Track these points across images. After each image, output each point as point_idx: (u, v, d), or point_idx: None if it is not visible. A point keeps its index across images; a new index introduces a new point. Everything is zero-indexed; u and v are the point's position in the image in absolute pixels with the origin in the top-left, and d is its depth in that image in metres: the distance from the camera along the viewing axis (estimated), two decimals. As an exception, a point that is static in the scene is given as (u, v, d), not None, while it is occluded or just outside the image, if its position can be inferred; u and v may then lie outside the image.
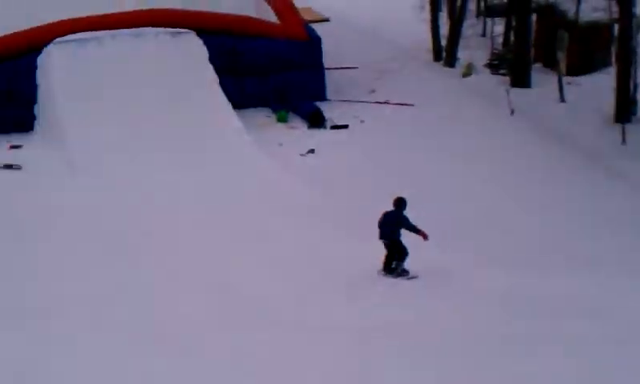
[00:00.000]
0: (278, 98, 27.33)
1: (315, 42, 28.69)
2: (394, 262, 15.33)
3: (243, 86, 27.27)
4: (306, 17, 31.87)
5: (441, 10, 34.30)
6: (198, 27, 26.78)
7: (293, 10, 29.86)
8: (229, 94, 25.44)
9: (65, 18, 26.32)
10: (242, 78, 27.37)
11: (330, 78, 28.87)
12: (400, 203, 15.30)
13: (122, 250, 17.00)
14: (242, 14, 28.63)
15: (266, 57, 27.67)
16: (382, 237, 15.28)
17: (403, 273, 15.27)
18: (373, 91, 29.13)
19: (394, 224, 15.18)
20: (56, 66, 24.79)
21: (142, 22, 26.54)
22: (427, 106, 27.55)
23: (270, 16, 29.28)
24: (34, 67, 25.20)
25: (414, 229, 15.03)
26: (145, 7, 27.21)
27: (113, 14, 26.73)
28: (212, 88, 25.40)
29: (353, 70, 31.08)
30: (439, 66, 33.16)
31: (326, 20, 37.62)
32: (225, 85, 25.68)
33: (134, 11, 26.99)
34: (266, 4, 29.96)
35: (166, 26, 26.57)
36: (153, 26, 26.51)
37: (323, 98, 28.09)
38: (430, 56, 33.85)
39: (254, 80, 27.55)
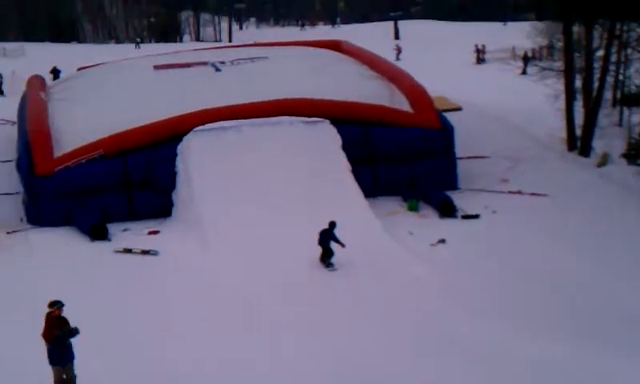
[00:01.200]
0: (409, 187, 27.49)
1: (448, 130, 28.86)
2: (327, 259, 21.80)
3: (375, 174, 27.60)
4: (439, 105, 32.12)
5: (576, 99, 33.96)
6: (332, 115, 27.50)
7: (427, 99, 30.13)
8: (361, 182, 25.90)
9: (204, 107, 27.50)
10: (375, 166, 27.72)
11: (462, 167, 28.90)
12: (331, 224, 21.93)
13: (261, 320, 18.45)
14: (377, 102, 29.18)
15: (398, 145, 27.93)
16: (319, 244, 21.86)
17: (330, 266, 21.71)
18: (505, 181, 28.92)
19: (326, 237, 21.86)
20: (195, 153, 25.83)
21: (278, 111, 27.38)
22: (561, 196, 27.14)
23: (403, 105, 29.67)
24: (173, 155, 26.25)
25: (337, 241, 21.76)
26: (281, 97, 28.17)
27: (251, 104, 27.72)
28: (344, 176, 25.91)
29: (485, 159, 31.01)
30: (574, 155, 32.65)
31: (459, 109, 37.81)
32: (357, 173, 26.17)
33: (271, 101, 27.88)
34: (400, 93, 30.39)
35: (301, 115, 27.38)
36: (288, 114, 27.33)
37: (455, 187, 28.07)
38: (564, 145, 33.41)
39: (386, 168, 27.80)
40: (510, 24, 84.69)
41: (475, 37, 65.40)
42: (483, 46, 61.53)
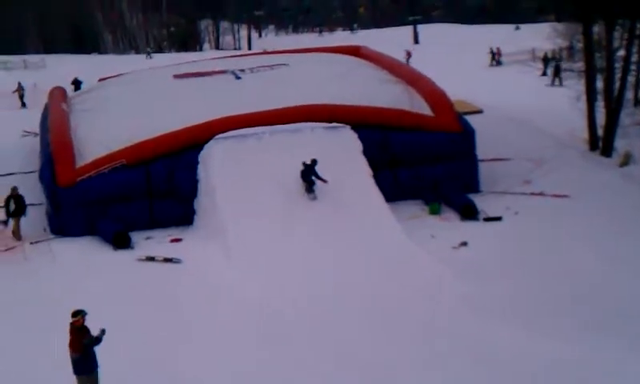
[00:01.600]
0: (430, 190, 27.45)
1: (469, 133, 28.81)
2: (309, 191, 24.82)
3: (397, 178, 27.61)
4: (459, 108, 32.03)
5: (597, 100, 33.78)
6: (352, 121, 27.52)
7: (447, 102, 30.07)
8: (382, 187, 25.88)
9: (225, 115, 27.58)
10: (396, 170, 27.74)
11: (484, 170, 28.84)
12: (313, 161, 24.88)
13: (280, 331, 18.39)
14: (396, 107, 29.16)
15: (419, 149, 27.96)
16: (302, 178, 24.90)
17: (311, 193, 24.86)
18: (527, 182, 28.82)
19: (308, 172, 24.80)
20: (216, 161, 25.92)
21: (298, 118, 27.42)
22: (584, 197, 26.99)
23: (423, 108, 29.64)
24: (195, 163, 26.37)
25: (318, 177, 24.78)
26: (302, 103, 28.21)
27: (271, 111, 27.79)
28: (366, 181, 25.90)
29: (506, 161, 30.92)
30: (596, 155, 32.50)
31: (480, 111, 37.71)
32: (378, 177, 26.17)
33: (291, 107, 27.94)
34: (419, 97, 30.35)
35: (321, 121, 27.40)
36: (309, 120, 27.36)
37: (476, 190, 28.01)
38: (586, 146, 33.26)
39: (407, 172, 27.81)
40: (526, 26, 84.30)
41: (493, 39, 65.22)
42: (498, 48, 61.38)
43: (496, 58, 60.96)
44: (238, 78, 33.51)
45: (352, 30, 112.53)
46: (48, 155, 27.61)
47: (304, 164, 25.01)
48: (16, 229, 25.46)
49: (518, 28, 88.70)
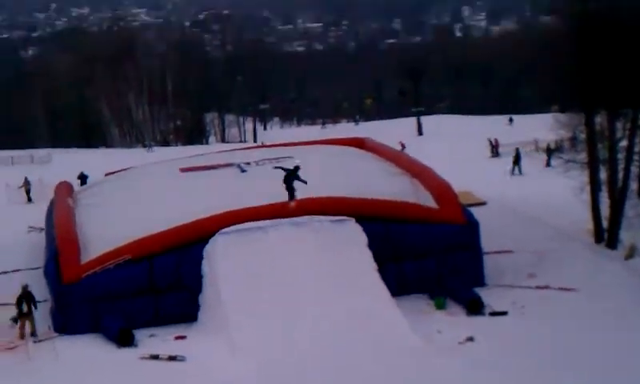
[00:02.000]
0: (436, 284, 27.35)
1: (473, 225, 28.83)
2: (290, 197, 27.01)
3: (402, 271, 27.50)
4: (463, 200, 32.13)
5: (601, 190, 33.84)
6: (357, 213, 27.53)
7: (451, 194, 30.18)
8: (387, 280, 25.80)
9: (230, 209, 27.65)
10: (400, 263, 27.64)
11: (488, 262, 28.76)
12: (296, 168, 27.36)
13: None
14: (401, 199, 29.23)
15: (424, 242, 27.90)
16: (285, 183, 27.13)
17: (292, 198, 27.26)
18: (532, 275, 28.67)
19: (290, 178, 27.12)
20: (221, 255, 25.90)
21: (303, 211, 27.45)
22: (590, 290, 26.81)
23: (428, 200, 29.72)
24: (200, 257, 26.33)
25: (301, 180, 27.15)
26: (306, 196, 28.31)
27: (276, 204, 27.84)
28: (371, 275, 25.83)
29: (511, 253, 30.84)
30: (601, 247, 32.35)
31: (483, 203, 37.80)
32: (383, 270, 26.10)
33: (296, 200, 27.96)
34: (424, 189, 30.48)
35: (326, 214, 27.42)
36: (314, 213, 27.40)
37: (482, 283, 27.89)
38: (591, 237, 33.17)
39: (412, 265, 27.71)
40: (530, 117, 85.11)
41: (494, 130, 65.77)
42: (496, 139, 61.98)
43: (495, 149, 61.46)
44: (243, 171, 33.77)
45: (356, 122, 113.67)
46: (53, 251, 27.67)
47: (284, 169, 27.84)
48: (22, 328, 25.26)
49: (511, 120, 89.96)
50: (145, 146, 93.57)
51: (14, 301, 25.60)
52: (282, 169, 27.77)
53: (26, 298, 25.37)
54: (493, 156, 60.90)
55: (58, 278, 26.27)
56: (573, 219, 34.23)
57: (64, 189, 35.91)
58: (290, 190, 27.48)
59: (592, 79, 31.78)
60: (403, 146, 60.42)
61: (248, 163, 34.81)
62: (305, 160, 34.98)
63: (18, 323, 25.31)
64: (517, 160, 49.87)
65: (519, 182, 44.76)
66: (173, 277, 26.33)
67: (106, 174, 40.77)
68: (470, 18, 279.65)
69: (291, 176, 27.40)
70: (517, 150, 51.11)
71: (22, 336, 25.16)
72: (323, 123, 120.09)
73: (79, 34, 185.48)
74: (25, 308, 25.28)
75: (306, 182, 27.29)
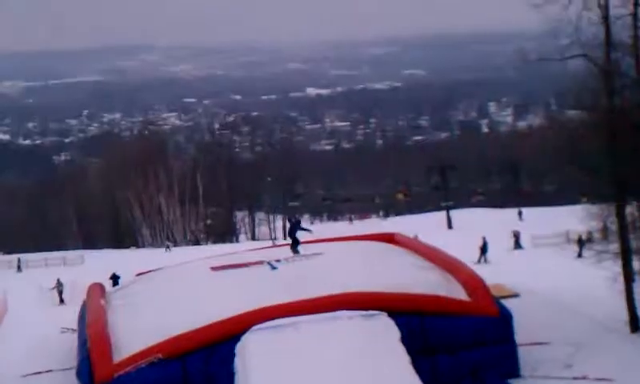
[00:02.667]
0: (470, 377, 27.07)
1: (506, 317, 28.64)
2: (294, 247, 30.62)
3: (435, 365, 27.27)
4: (496, 292, 31.99)
5: (634, 280, 33.55)
6: (389, 308, 27.45)
7: (483, 286, 30.09)
8: (421, 374, 25.54)
9: (262, 306, 27.71)
10: (434, 356, 27.42)
11: (522, 354, 28.44)
12: (298, 220, 30.98)
13: None
14: (432, 292, 29.17)
15: (456, 334, 27.72)
16: (289, 235, 30.00)
17: (296, 252, 30.56)
18: (568, 366, 28.33)
19: (294, 229, 30.44)
20: (253, 353, 25.72)
21: (334, 307, 27.41)
22: (626, 380, 26.45)
23: (460, 294, 29.64)
24: (232, 356, 26.15)
25: (304, 229, 29.88)
26: (338, 292, 28.32)
27: (307, 300, 27.86)
28: (405, 370, 25.55)
29: (545, 345, 30.53)
30: (637, 337, 32.01)
31: (516, 295, 37.58)
32: (417, 365, 25.85)
33: (327, 297, 28.01)
34: (455, 282, 30.45)
35: (358, 309, 27.36)
36: (346, 309, 27.34)
37: (517, 375, 27.58)
38: (627, 327, 32.82)
39: (446, 358, 27.48)
40: (561, 208, 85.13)
41: (525, 223, 65.75)
42: (516, 231, 62.19)
43: (516, 241, 61.57)
44: (274, 268, 33.84)
45: (384, 216, 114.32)
46: (85, 351, 27.73)
47: (289, 220, 31.87)
48: None
49: (520, 213, 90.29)
50: (165, 247, 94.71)
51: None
52: (288, 220, 31.61)
53: None
54: (515, 248, 60.93)
55: (90, 378, 26.23)
56: (607, 310, 33.88)
57: (96, 290, 36.13)
58: (294, 241, 31.16)
59: (622, 171, 31.88)
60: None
61: (278, 260, 34.92)
62: (335, 256, 35.25)
63: None
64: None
65: (551, 273, 44.42)
66: (206, 376, 26.18)
67: (137, 274, 41.03)
68: (497, 113, 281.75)
69: (295, 227, 30.64)
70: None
71: None
72: (350, 219, 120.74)
73: (111, 138, 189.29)
74: None
75: (310, 231, 30.06)
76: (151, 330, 27.57)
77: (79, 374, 27.39)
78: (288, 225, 29.08)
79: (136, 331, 28.07)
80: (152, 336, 27.10)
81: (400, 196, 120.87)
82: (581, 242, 50.90)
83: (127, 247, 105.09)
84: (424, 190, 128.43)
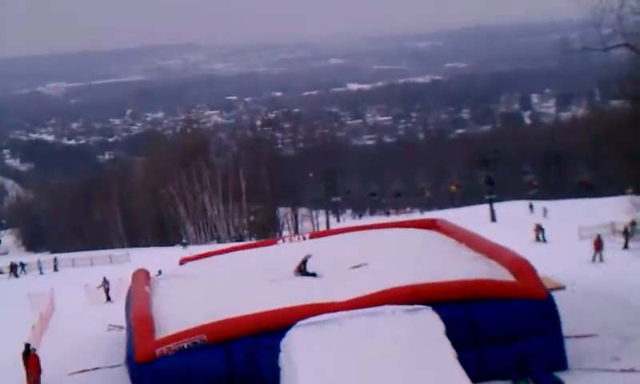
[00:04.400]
0: (517, 368, 26.84)
1: (553, 304, 28.12)
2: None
3: (482, 356, 27.04)
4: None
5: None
6: (433, 299, 27.19)
7: (530, 268, 29.37)
8: (467, 367, 25.40)
9: (305, 300, 27.78)
10: (480, 347, 27.13)
11: (570, 346, 28.15)
12: (305, 259, 31.86)
13: None
14: (477, 278, 28.73)
15: (504, 322, 27.21)
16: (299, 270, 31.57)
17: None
18: (616, 359, 28.00)
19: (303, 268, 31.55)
20: (299, 349, 25.68)
21: (378, 301, 27.32)
22: (678, 371, 26.14)
23: (505, 277, 29.12)
24: (276, 348, 26.13)
25: (308, 274, 31.48)
26: (381, 284, 28.25)
27: (351, 298, 27.76)
28: (450, 363, 25.41)
29: (593, 337, 30.24)
30: (687, 328, 31.61)
31: (562, 287, 37.25)
32: (462, 358, 25.68)
33: (371, 295, 27.86)
34: (501, 267, 29.96)
35: (402, 302, 27.18)
36: (389, 303, 27.21)
37: (564, 367, 27.32)
38: (677, 318, 32.43)
39: (492, 349, 27.17)
40: (606, 199, 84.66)
41: (570, 214, 65.28)
42: (538, 225, 62.21)
43: (539, 234, 61.32)
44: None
45: (422, 210, 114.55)
46: (130, 334, 27.95)
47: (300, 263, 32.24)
48: None
49: (531, 206, 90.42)
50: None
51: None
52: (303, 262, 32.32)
53: None
54: (537, 241, 60.69)
55: (132, 359, 26.36)
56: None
57: (141, 276, 36.38)
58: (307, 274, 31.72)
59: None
60: None
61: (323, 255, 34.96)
62: (375, 243, 35.12)
63: None
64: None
65: (597, 265, 44.05)
66: (249, 365, 26.14)
67: (182, 261, 41.27)
68: (539, 104, 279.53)
69: (303, 268, 31.84)
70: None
71: None
72: (387, 213, 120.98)
73: (154, 137, 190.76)
74: None
75: (315, 275, 31.36)
76: (195, 314, 27.70)
77: (127, 358, 27.53)
78: (301, 263, 29.50)
79: (179, 314, 28.22)
80: (196, 320, 27.16)
81: (453, 188, 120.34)
82: (627, 233, 50.37)
83: (171, 244, 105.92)
84: (467, 184, 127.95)
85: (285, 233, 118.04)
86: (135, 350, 26.33)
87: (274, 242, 42.15)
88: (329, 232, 42.88)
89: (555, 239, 60.08)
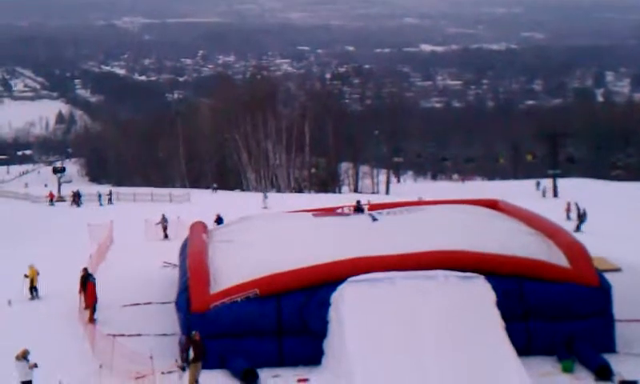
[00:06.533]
0: (564, 347, 26.71)
1: (606, 289, 28.00)
2: None
3: (529, 331, 26.99)
4: (597, 265, 31.31)
5: None
6: (486, 269, 27.21)
7: (585, 255, 29.42)
8: (514, 340, 25.34)
9: (359, 256, 27.86)
10: (529, 322, 27.16)
11: (619, 330, 27.83)
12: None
13: None
14: (533, 257, 28.76)
15: (554, 301, 27.25)
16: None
17: None
18: (667, 347, 27.70)
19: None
20: (348, 305, 25.88)
21: (432, 264, 27.32)
22: None
23: (561, 260, 29.10)
24: (326, 301, 26.44)
25: None
26: (436, 248, 28.24)
27: (405, 255, 27.86)
28: (497, 334, 25.37)
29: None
30: None
31: (618, 269, 36.72)
32: (510, 329, 25.64)
33: (425, 253, 27.95)
34: (557, 248, 29.92)
35: (455, 268, 27.19)
36: (443, 268, 27.21)
37: (612, 350, 27.08)
38: None
39: (541, 325, 27.17)
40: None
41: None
42: (568, 203, 60.54)
43: (569, 214, 59.75)
44: (374, 219, 33.97)
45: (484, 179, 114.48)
46: (184, 283, 28.41)
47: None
48: (192, 379, 24.18)
49: (538, 184, 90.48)
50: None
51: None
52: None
53: (193, 344, 24.36)
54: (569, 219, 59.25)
55: (187, 308, 26.90)
56: None
57: (199, 226, 36.87)
58: None
59: None
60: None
61: (380, 212, 35.01)
62: (436, 214, 35.07)
63: (186, 372, 24.48)
64: None
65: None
66: (299, 318, 26.56)
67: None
68: (613, 83, 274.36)
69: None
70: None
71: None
72: (463, 180, 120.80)
73: (223, 80, 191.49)
74: (192, 354, 24.28)
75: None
76: (250, 267, 28.03)
77: (178, 305, 28.07)
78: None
79: (235, 267, 28.58)
80: (250, 273, 27.56)
81: (529, 157, 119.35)
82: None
83: (231, 189, 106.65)
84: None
85: (344, 189, 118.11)
86: (191, 303, 26.92)
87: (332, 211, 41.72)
88: (390, 205, 42.49)
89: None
